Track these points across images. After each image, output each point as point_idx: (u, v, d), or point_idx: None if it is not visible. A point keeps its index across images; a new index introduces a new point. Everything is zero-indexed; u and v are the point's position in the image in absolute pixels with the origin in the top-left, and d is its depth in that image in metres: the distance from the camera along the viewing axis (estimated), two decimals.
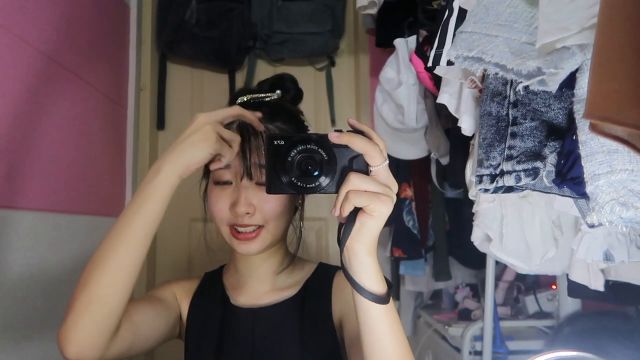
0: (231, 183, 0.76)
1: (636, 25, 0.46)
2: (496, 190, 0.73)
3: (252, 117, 0.74)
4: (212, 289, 0.89)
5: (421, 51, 1.28)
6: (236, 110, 0.72)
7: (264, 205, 0.75)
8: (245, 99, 0.82)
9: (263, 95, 0.83)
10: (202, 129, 0.67)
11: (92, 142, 1.53)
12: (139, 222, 0.65)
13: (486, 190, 0.74)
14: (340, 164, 0.57)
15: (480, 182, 0.73)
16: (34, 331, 1.16)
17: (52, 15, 1.30)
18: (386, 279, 0.58)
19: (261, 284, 0.85)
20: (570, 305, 1.30)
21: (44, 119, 1.26)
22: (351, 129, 0.58)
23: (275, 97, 0.83)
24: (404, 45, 1.34)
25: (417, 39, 1.33)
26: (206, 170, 0.82)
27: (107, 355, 0.68)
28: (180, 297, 0.87)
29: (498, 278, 1.56)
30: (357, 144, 0.55)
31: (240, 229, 0.76)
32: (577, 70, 0.59)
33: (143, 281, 1.87)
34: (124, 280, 0.65)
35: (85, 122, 1.49)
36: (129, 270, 0.65)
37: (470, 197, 0.93)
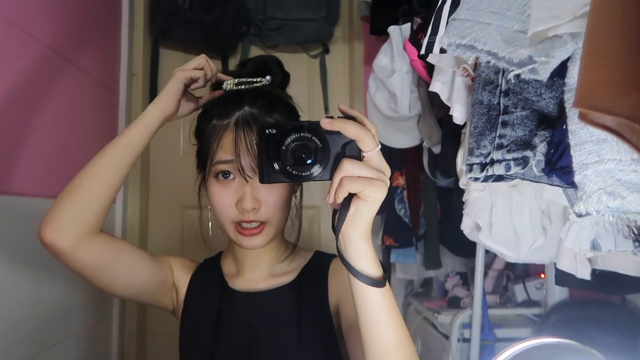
0: (234, 178, 0.76)
1: (627, 14, 0.46)
2: (486, 179, 0.74)
3: (214, 67, 0.85)
4: (210, 273, 0.89)
5: (415, 39, 1.28)
6: (202, 59, 0.84)
7: (269, 200, 0.76)
8: (230, 84, 0.81)
9: (252, 80, 0.81)
10: (174, 76, 0.82)
11: (84, 128, 1.52)
12: (123, 140, 0.78)
13: (476, 179, 0.74)
14: (333, 151, 0.57)
15: (471, 170, 0.73)
16: (25, 314, 1.16)
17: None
18: (381, 263, 0.58)
19: (259, 272, 0.86)
20: (557, 294, 1.32)
21: (36, 104, 1.24)
22: (342, 115, 0.58)
23: (265, 82, 0.82)
24: (398, 32, 1.33)
25: (412, 26, 1.32)
26: (201, 164, 0.82)
27: (79, 251, 0.74)
28: (176, 268, 0.88)
29: (488, 267, 1.58)
30: (349, 129, 0.54)
31: (245, 225, 0.76)
32: (568, 59, 0.59)
33: None
34: (102, 179, 0.76)
35: (77, 107, 1.48)
36: (108, 172, 0.76)
37: (461, 185, 0.93)
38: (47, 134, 1.30)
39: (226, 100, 0.79)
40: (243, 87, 0.81)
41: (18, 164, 1.17)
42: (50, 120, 1.31)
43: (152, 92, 1.99)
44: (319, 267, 0.85)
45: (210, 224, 0.84)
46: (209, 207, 0.81)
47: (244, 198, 0.74)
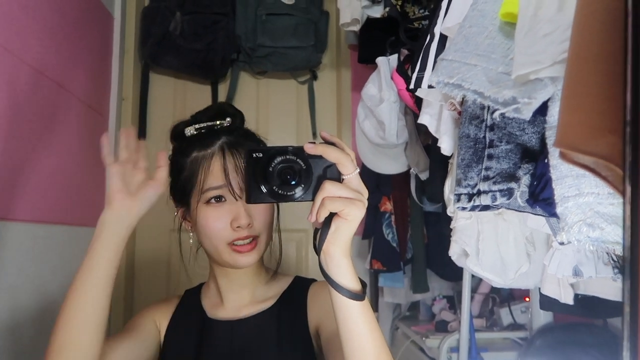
0: (225, 200, 0.80)
1: (600, 61, 0.50)
2: (473, 208, 0.77)
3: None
4: (189, 307, 0.91)
5: (402, 69, 1.33)
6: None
7: (259, 216, 0.81)
8: (192, 131, 0.84)
9: (212, 124, 0.85)
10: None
11: (73, 152, 1.52)
12: (98, 272, 0.71)
13: (464, 209, 0.77)
14: (316, 173, 0.61)
15: (459, 200, 0.77)
16: (10, 343, 1.14)
17: (36, 25, 1.30)
18: (360, 279, 0.62)
19: (241, 298, 0.88)
20: (542, 317, 1.35)
21: (25, 128, 1.25)
22: (323, 141, 0.62)
23: (226, 124, 0.86)
24: (386, 63, 1.38)
25: (399, 57, 1.37)
26: (182, 198, 0.85)
27: None
28: (160, 321, 0.89)
29: (474, 290, 1.61)
30: (331, 154, 0.59)
31: (239, 242, 0.80)
32: (549, 99, 0.63)
33: (121, 292, 1.86)
34: (91, 323, 0.69)
35: (66, 131, 1.49)
36: (95, 313, 0.70)
37: (449, 213, 0.96)
38: (36, 157, 1.30)
39: (202, 135, 0.84)
40: (204, 131, 0.84)
41: (4, 188, 1.17)
42: (38, 144, 1.32)
43: (142, 117, 2.01)
44: (298, 291, 0.88)
45: (196, 249, 0.88)
46: (191, 234, 0.86)
47: (239, 215, 0.78)
